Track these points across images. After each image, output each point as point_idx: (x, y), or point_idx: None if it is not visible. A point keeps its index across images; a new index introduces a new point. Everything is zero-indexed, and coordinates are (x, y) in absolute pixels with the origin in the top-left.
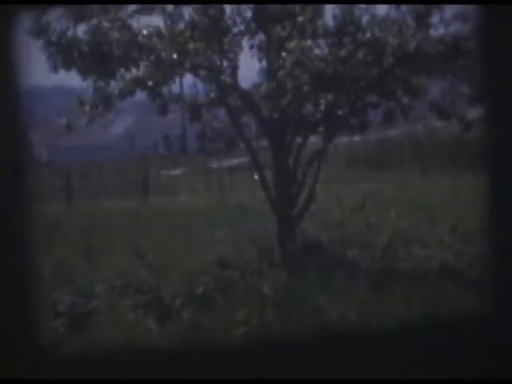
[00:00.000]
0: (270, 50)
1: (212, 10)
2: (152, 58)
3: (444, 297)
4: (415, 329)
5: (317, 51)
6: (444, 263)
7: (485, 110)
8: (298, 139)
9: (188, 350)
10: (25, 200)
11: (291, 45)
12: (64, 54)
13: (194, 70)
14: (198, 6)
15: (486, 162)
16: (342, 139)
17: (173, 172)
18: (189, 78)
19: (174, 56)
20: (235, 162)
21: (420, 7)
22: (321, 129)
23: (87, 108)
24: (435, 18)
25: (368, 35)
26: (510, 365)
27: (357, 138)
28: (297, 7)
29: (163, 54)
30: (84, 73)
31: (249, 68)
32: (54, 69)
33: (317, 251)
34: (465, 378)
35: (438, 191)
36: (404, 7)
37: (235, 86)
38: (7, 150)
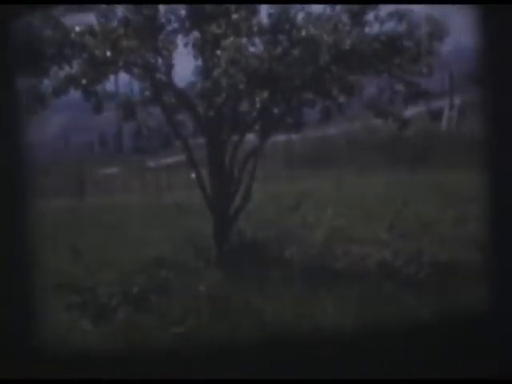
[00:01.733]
0: (204, 48)
1: (146, 7)
2: (85, 55)
3: (381, 295)
4: (351, 328)
5: (252, 49)
6: (381, 261)
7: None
8: (234, 137)
9: (124, 351)
10: None
11: (226, 43)
12: None
13: (128, 68)
14: (130, 4)
15: (484, 159)
16: (280, 137)
17: (109, 171)
18: (124, 76)
19: (108, 54)
20: (171, 160)
21: (355, 5)
22: (257, 127)
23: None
24: (370, 16)
25: (303, 33)
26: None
27: (294, 136)
28: (232, 4)
29: (96, 52)
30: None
31: (184, 66)
32: None
33: (253, 250)
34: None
35: (375, 189)
36: (338, 5)
37: (170, 84)
38: None
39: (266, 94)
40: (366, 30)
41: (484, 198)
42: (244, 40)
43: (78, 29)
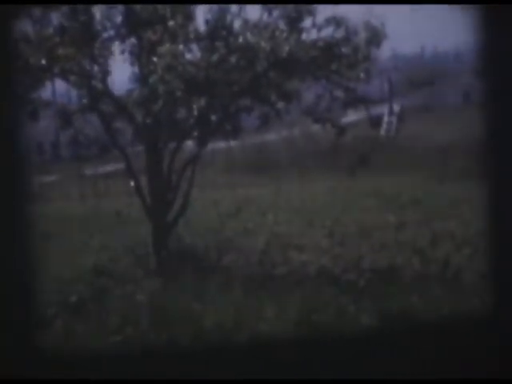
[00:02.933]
0: (141, 55)
1: (81, 14)
2: (20, 63)
3: (321, 302)
4: (291, 335)
5: (189, 56)
6: (321, 268)
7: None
8: (172, 145)
9: (61, 359)
10: None
11: (162, 49)
12: None
13: (65, 76)
14: (66, 11)
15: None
16: (219, 144)
17: (46, 179)
18: (61, 84)
19: (43, 61)
20: (110, 168)
21: (292, 12)
22: (195, 134)
23: None
24: (308, 23)
25: (240, 40)
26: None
27: (233, 142)
28: (168, 11)
29: (31, 60)
30: None
31: (121, 73)
32: None
33: (192, 257)
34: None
35: (315, 195)
36: (276, 11)
37: (107, 92)
38: None
39: (203, 101)
40: (304, 36)
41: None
42: (181, 47)
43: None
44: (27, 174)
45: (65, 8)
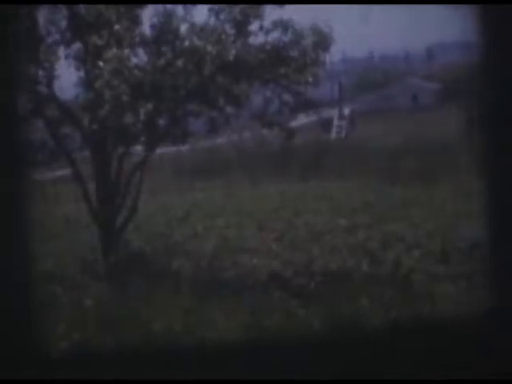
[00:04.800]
0: (86, 60)
1: (25, 19)
2: None
3: (271, 306)
4: (239, 339)
5: (135, 60)
6: (271, 272)
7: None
8: (120, 150)
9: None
10: None
11: (108, 54)
12: None
13: None
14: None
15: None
16: (168, 149)
17: None
18: None
19: None
20: (58, 173)
21: (238, 15)
22: (142, 139)
23: None
24: (255, 26)
25: (186, 43)
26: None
27: (183, 147)
28: (113, 15)
29: None
30: None
31: (66, 78)
32: None
33: (141, 262)
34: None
35: (266, 199)
36: (223, 15)
37: (52, 97)
38: None
39: (150, 106)
40: (251, 40)
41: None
42: (127, 51)
43: None
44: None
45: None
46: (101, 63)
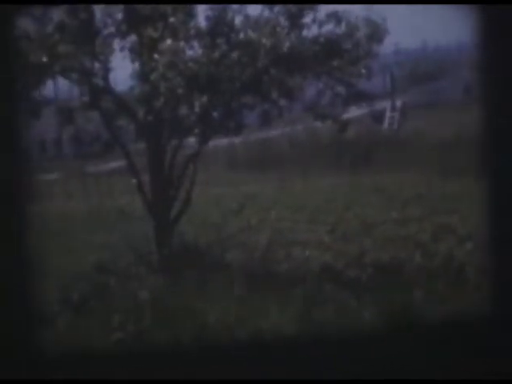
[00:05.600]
0: (142, 52)
1: (82, 12)
2: (21, 61)
3: (323, 298)
4: (293, 331)
5: (190, 53)
6: (323, 264)
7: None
8: (174, 142)
9: (64, 356)
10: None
11: (163, 46)
12: None
13: (66, 73)
14: (66, 9)
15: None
16: (222, 141)
17: (48, 176)
18: (62, 82)
19: (44, 59)
20: (112, 165)
21: (293, 7)
22: (196, 131)
23: None
24: (308, 19)
25: (241, 36)
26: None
27: (236, 139)
28: (169, 8)
29: (32, 57)
30: None
31: (121, 70)
32: None
33: (195, 254)
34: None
35: (318, 191)
36: (277, 7)
37: (108, 89)
38: None
39: (205, 98)
40: (305, 32)
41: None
42: (182, 43)
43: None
44: (27, 173)
45: (65, 5)
46: (156, 56)
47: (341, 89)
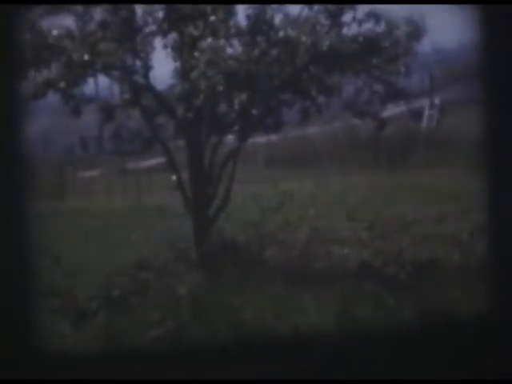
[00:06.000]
0: (182, 50)
1: (123, 10)
2: (63, 59)
3: (361, 296)
4: (331, 328)
5: (230, 51)
6: (362, 261)
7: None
8: (214, 139)
9: (103, 353)
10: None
11: (204, 44)
12: None
13: (107, 71)
14: (108, 7)
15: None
16: (260, 138)
17: (89, 173)
18: (103, 79)
19: (86, 57)
20: (152, 162)
21: (332, 6)
22: (236, 128)
23: None
24: (348, 17)
25: (281, 34)
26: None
27: (275, 136)
28: (209, 7)
29: (74, 55)
30: None
31: (162, 68)
32: None
33: (233, 251)
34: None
35: (356, 189)
36: (317, 6)
37: (149, 87)
38: None
39: (244, 96)
40: (344, 30)
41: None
42: (222, 41)
43: (55, 32)
44: (28, 171)
45: (106, 4)
46: (196, 54)
47: (379, 87)
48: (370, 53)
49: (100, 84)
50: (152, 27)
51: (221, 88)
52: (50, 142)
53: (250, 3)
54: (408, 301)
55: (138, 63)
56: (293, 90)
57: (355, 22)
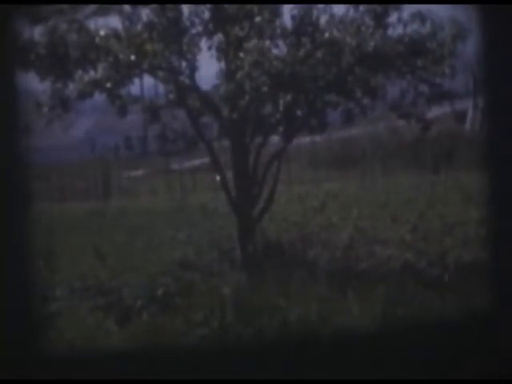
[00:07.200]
0: (228, 51)
1: (170, 10)
2: (110, 59)
3: (405, 297)
4: (376, 329)
5: (275, 51)
6: (405, 262)
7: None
8: (258, 140)
9: (148, 352)
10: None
11: (249, 45)
12: (21, 55)
13: (153, 72)
14: (155, 7)
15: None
16: (304, 139)
17: (134, 173)
18: (148, 80)
19: (132, 57)
20: (196, 162)
21: (378, 7)
22: (280, 129)
23: (45, 110)
24: (393, 18)
25: (326, 35)
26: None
27: (318, 137)
28: (255, 7)
29: (121, 56)
30: (41, 75)
31: (207, 69)
32: None
33: (277, 251)
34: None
35: (400, 190)
36: (362, 7)
37: (194, 87)
38: None
39: (289, 97)
40: (389, 31)
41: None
42: (267, 42)
43: (102, 32)
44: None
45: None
46: (242, 54)
47: (424, 88)
48: (415, 54)
49: (145, 84)
50: (198, 28)
51: (266, 89)
52: (96, 142)
53: (294, 3)
54: (452, 302)
55: (184, 64)
56: (337, 91)
57: (400, 23)
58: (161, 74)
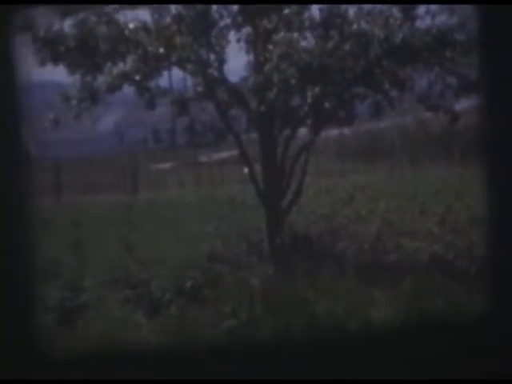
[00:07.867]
0: (256, 43)
1: (199, 3)
2: (139, 52)
3: (433, 289)
4: (404, 323)
5: (303, 44)
6: (433, 255)
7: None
8: (286, 132)
9: (177, 344)
10: (19, 197)
11: (278, 38)
12: (50, 48)
13: (181, 64)
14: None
15: (485, 154)
16: (332, 131)
17: (162, 166)
18: (177, 72)
19: (161, 50)
20: (224, 155)
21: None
22: (308, 122)
23: (74, 103)
24: (421, 10)
25: (354, 27)
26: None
27: (346, 130)
28: None
29: (150, 49)
30: (71, 67)
31: (236, 61)
32: (41, 64)
33: (306, 244)
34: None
35: (427, 183)
36: None
37: (223, 80)
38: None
39: (317, 89)
40: (417, 23)
41: None
42: (295, 35)
43: (131, 25)
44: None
45: None
46: (270, 47)
47: (452, 80)
48: (443, 46)
49: (174, 77)
50: (227, 20)
51: (294, 81)
52: (125, 135)
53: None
54: (479, 295)
55: (213, 56)
56: (365, 84)
57: (428, 15)
58: (189, 66)
